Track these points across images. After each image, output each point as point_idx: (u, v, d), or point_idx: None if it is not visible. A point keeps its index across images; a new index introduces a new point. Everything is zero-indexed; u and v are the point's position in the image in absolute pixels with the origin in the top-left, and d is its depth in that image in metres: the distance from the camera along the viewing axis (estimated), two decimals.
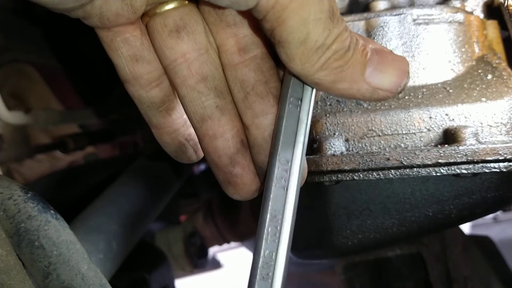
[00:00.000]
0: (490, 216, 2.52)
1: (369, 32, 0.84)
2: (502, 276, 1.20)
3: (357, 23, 0.85)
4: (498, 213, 2.54)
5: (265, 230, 0.48)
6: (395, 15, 0.84)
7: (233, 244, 2.51)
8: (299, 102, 0.49)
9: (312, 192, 0.82)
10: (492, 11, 0.93)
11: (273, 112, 0.49)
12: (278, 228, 0.48)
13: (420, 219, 0.79)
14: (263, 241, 0.48)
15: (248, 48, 0.50)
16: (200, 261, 1.55)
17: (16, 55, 1.57)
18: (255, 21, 0.46)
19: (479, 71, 0.83)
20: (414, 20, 0.84)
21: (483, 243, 1.27)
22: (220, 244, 1.67)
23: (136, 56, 0.50)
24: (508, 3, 0.71)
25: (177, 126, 0.54)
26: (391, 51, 0.46)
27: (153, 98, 0.52)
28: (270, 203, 0.48)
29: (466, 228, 2.34)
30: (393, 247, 1.05)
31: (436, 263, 1.09)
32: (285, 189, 0.48)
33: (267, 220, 0.48)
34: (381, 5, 0.87)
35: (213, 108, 0.49)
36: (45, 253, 0.57)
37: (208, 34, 0.50)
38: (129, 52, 0.49)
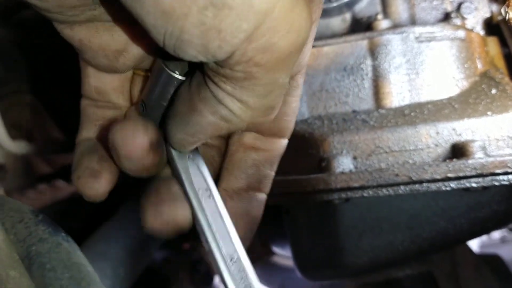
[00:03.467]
0: (498, 236, 2.48)
1: (373, 51, 0.85)
2: None
3: (360, 43, 0.86)
4: (506, 233, 2.51)
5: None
6: (398, 33, 0.85)
7: None
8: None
9: (322, 211, 0.81)
10: (492, 28, 0.94)
11: None
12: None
13: (431, 235, 0.79)
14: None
15: None
16: None
17: (18, 86, 1.58)
18: None
19: (483, 86, 0.84)
20: (416, 38, 0.85)
21: (493, 262, 1.26)
22: None
23: None
24: (510, 16, 0.72)
25: None
26: None
27: None
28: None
29: (473, 249, 2.31)
30: (404, 266, 1.04)
31: (447, 282, 1.07)
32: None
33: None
34: (383, 24, 0.88)
35: None
36: (57, 275, 0.56)
37: None
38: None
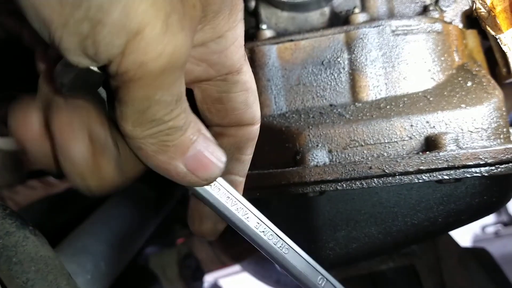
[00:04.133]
0: (492, 231, 2.49)
1: (349, 44, 0.85)
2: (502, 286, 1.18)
3: (337, 36, 0.86)
4: (500, 228, 2.51)
5: None
6: (374, 26, 0.85)
7: (234, 269, 2.47)
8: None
9: (297, 204, 0.82)
10: (472, 20, 0.94)
11: None
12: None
13: (406, 227, 0.79)
14: None
15: None
16: (195, 284, 1.54)
17: (7, 81, 1.58)
18: None
19: (459, 79, 0.84)
20: (393, 31, 0.85)
21: (480, 255, 1.26)
22: (216, 266, 1.65)
23: None
24: (477, 6, 0.72)
25: None
26: (216, 143, 0.47)
27: None
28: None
29: (466, 243, 2.31)
30: (386, 260, 1.04)
31: (430, 275, 1.07)
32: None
33: None
34: (360, 17, 0.88)
35: None
36: (23, 269, 0.56)
37: None
38: None
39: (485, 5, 0.70)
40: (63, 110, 0.44)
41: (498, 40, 0.71)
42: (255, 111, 0.54)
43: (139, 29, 0.36)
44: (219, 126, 0.54)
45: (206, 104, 0.53)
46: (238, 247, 1.60)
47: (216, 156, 0.46)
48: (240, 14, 0.49)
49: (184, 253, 1.55)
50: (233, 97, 0.52)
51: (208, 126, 0.53)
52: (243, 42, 0.50)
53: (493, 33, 0.71)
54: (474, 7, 0.74)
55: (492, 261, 1.27)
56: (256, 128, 0.55)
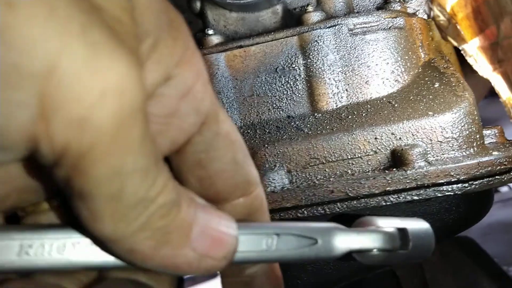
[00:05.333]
0: None
1: (304, 48, 0.77)
2: (489, 271, 1.15)
3: (290, 40, 0.78)
4: None
5: None
6: (329, 27, 0.77)
7: None
8: None
9: None
10: None
11: None
12: None
13: None
14: None
15: None
16: None
17: None
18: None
19: (426, 79, 0.76)
20: (350, 30, 0.77)
21: (465, 244, 1.22)
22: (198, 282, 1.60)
23: None
24: (435, 13, 0.64)
25: None
26: (216, 208, 0.34)
27: None
28: None
29: None
30: None
31: (411, 278, 1.02)
32: None
33: None
34: (314, 16, 0.79)
35: None
36: None
37: None
38: None
39: (444, 12, 0.62)
40: None
41: (462, 52, 0.63)
42: (250, 172, 0.39)
43: (50, 65, 0.23)
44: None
45: (182, 173, 0.38)
46: None
47: (225, 224, 0.33)
48: (188, 40, 0.34)
49: None
50: (216, 157, 0.37)
51: None
52: (207, 79, 0.35)
53: (455, 43, 0.63)
54: (431, 15, 0.66)
55: (477, 248, 1.23)
56: (257, 194, 0.40)
